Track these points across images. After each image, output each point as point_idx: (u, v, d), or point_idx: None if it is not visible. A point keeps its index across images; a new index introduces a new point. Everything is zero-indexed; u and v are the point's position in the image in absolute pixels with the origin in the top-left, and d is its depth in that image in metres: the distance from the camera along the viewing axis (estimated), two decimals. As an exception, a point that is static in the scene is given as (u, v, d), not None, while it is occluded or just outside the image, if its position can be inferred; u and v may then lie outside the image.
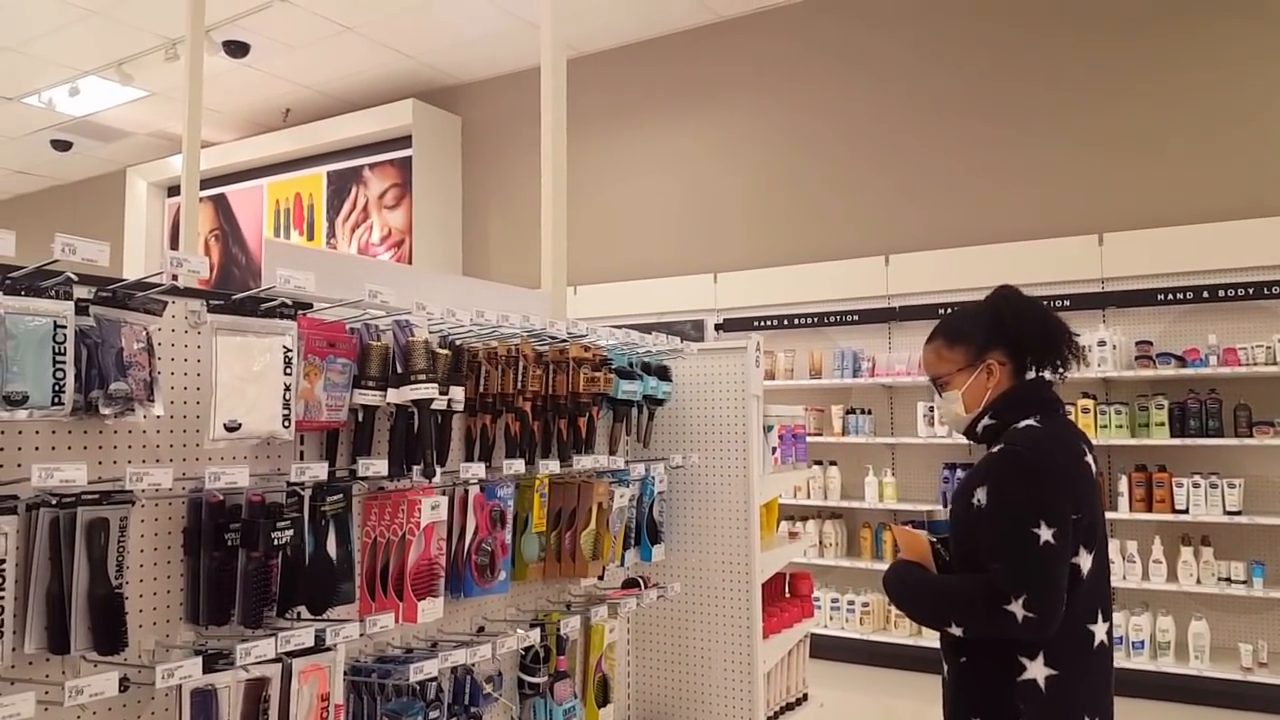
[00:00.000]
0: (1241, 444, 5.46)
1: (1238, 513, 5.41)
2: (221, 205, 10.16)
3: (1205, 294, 5.70)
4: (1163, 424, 5.64)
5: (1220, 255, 5.71)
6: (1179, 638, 5.48)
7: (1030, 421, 2.06)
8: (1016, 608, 1.86)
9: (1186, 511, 5.51)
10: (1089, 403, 5.78)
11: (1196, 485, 5.51)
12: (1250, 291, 5.59)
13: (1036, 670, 1.94)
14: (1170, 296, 5.80)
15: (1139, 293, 5.90)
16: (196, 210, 5.72)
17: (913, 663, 6.06)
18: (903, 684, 5.95)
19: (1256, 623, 5.56)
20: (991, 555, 1.94)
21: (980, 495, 1.98)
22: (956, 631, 2.00)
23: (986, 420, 2.13)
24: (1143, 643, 5.47)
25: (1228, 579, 5.46)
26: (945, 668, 2.15)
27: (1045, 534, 1.88)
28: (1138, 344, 5.80)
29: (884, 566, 6.34)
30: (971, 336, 2.17)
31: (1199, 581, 5.49)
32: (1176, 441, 5.59)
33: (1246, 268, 5.65)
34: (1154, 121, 6.10)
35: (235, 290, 1.93)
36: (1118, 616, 5.36)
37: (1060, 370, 2.15)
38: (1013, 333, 2.13)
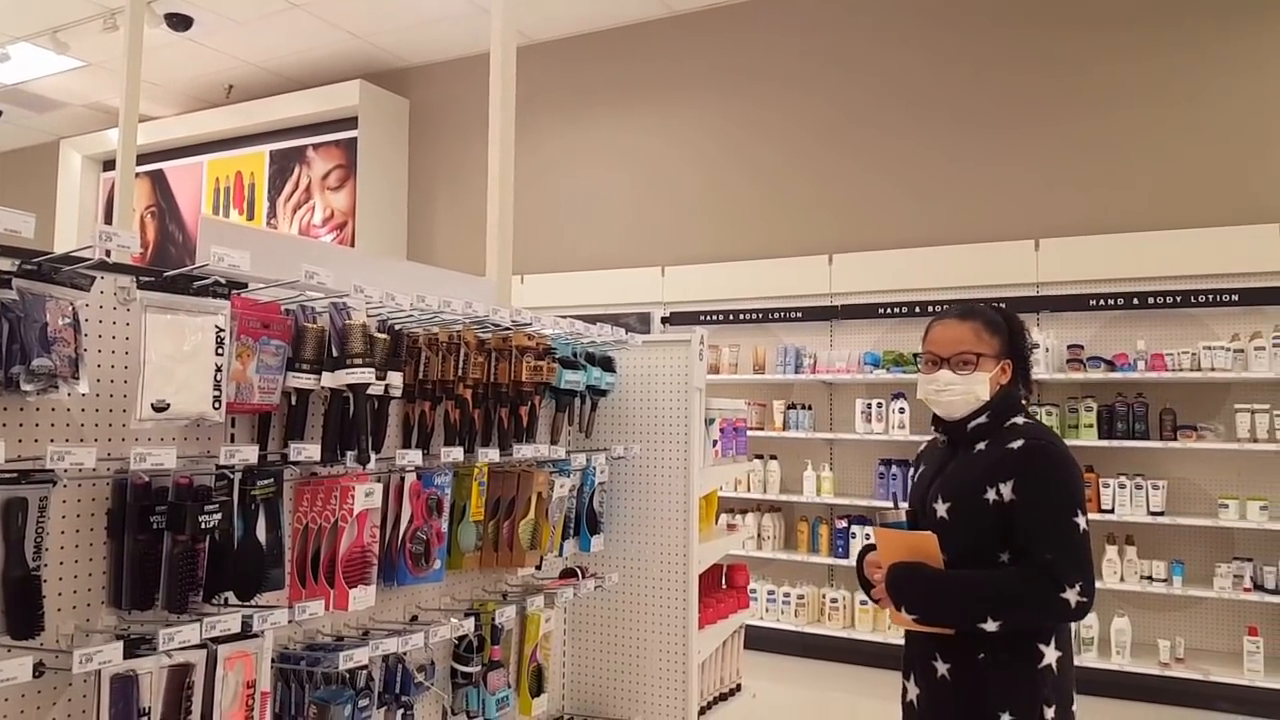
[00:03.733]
0: (1166, 447, 5.64)
1: (1161, 513, 5.59)
2: (159, 181, 9.89)
3: (1135, 300, 5.87)
4: (1091, 426, 5.79)
5: (1151, 264, 5.89)
6: (1102, 634, 5.65)
7: (1020, 420, 2.15)
8: (1072, 595, 1.93)
9: (1112, 511, 5.67)
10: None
11: (1122, 486, 5.68)
12: (1178, 299, 5.77)
13: (1051, 655, 2.04)
14: (1102, 302, 5.96)
15: (1072, 298, 6.06)
16: (132, 185, 5.56)
17: (845, 654, 6.16)
18: (835, 675, 6.04)
19: (1175, 620, 5.75)
20: (1038, 545, 1.98)
21: (1004, 490, 2.03)
22: (991, 627, 1.96)
23: (982, 418, 2.15)
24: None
25: (1149, 577, 5.64)
26: (936, 668, 2.10)
27: (1082, 523, 2.00)
28: (1069, 347, 5.95)
29: (821, 560, 6.48)
30: (1003, 334, 2.21)
31: (1122, 580, 5.65)
32: (1104, 443, 5.75)
33: (1175, 276, 5.83)
34: (1092, 131, 6.25)
35: (171, 268, 1.88)
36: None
37: (1029, 390, 2.27)
38: (1020, 345, 2.24)
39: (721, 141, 7.51)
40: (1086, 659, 5.55)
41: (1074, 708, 2.09)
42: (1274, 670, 5.23)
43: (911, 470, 2.43)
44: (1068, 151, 6.31)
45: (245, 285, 2.02)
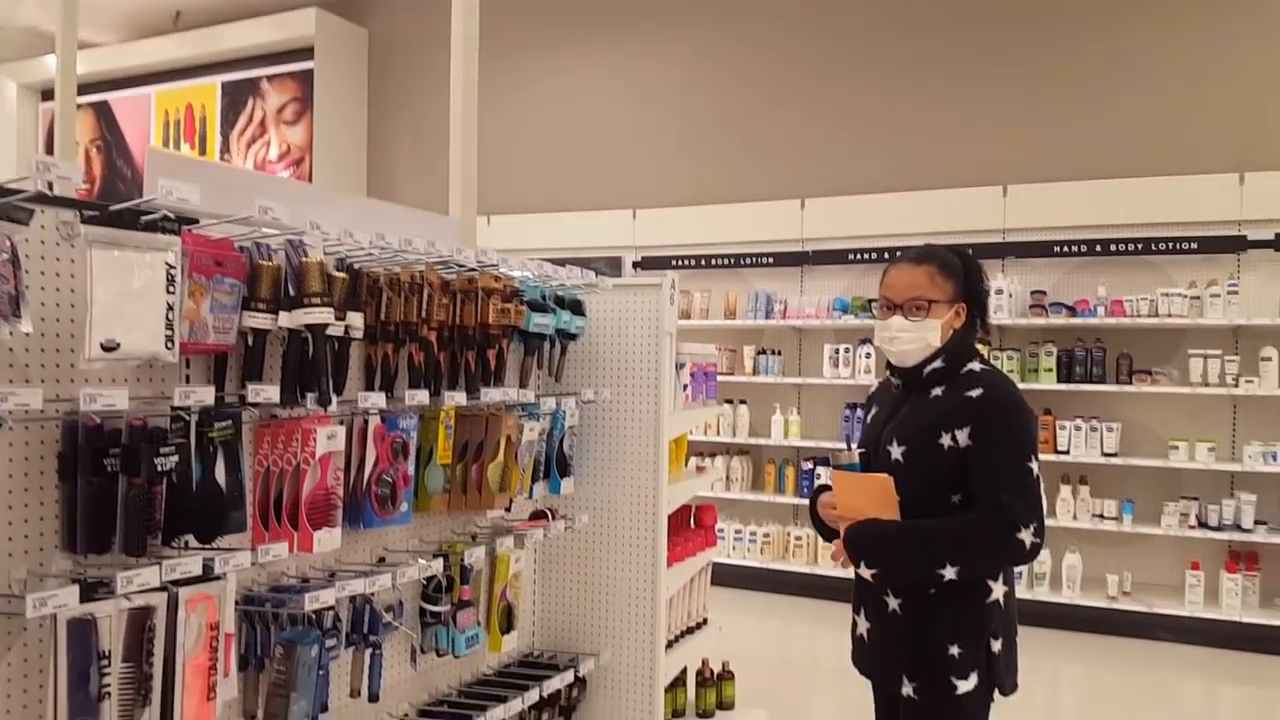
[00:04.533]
0: (1122, 390, 5.76)
1: (1114, 454, 5.75)
2: (104, 114, 9.53)
3: (1098, 248, 5.93)
4: (1050, 370, 5.89)
5: (1114, 211, 5.95)
6: (1054, 569, 5.83)
7: (977, 366, 2.15)
8: (1027, 536, 1.98)
9: (1068, 453, 5.81)
10: (983, 348, 5.96)
11: (1078, 428, 5.81)
12: (1139, 247, 5.85)
13: (998, 590, 2.11)
14: (1066, 249, 6.02)
15: (1037, 244, 6.11)
16: (73, 115, 5.35)
17: (808, 589, 6.30)
18: (799, 608, 6.20)
19: (1124, 556, 5.94)
20: (993, 489, 2.02)
21: (960, 437, 2.05)
22: (950, 574, 1.99)
23: (938, 363, 2.15)
24: (1020, 573, 5.78)
25: (1101, 515, 5.82)
26: (888, 603, 2.12)
27: (1034, 467, 2.04)
28: (1032, 293, 6.02)
29: (787, 500, 6.57)
30: (958, 276, 2.19)
31: (1075, 518, 5.82)
32: (1062, 386, 5.86)
33: (1138, 224, 5.90)
34: (1061, 79, 6.25)
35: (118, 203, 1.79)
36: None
37: (986, 332, 2.27)
38: (976, 287, 2.22)
39: (693, 84, 7.40)
40: (1039, 593, 5.73)
41: (1017, 639, 2.17)
42: (1212, 602, 5.47)
43: (862, 412, 2.44)
44: (1037, 99, 6.31)
45: (196, 221, 1.93)
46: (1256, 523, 5.44)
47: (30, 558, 1.77)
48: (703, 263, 7.11)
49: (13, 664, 1.76)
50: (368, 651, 2.43)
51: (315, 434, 2.09)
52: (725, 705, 3.82)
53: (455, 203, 3.99)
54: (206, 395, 1.87)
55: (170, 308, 1.79)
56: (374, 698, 2.45)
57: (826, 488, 2.24)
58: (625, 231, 7.41)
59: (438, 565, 2.53)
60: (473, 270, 2.62)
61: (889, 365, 2.27)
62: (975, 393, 2.08)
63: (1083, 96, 6.17)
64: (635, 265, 7.20)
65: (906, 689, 2.09)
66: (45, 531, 1.79)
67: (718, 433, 6.81)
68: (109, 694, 1.72)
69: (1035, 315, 5.94)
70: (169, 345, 1.79)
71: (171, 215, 1.83)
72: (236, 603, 2.02)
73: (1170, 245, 5.77)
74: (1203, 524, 5.59)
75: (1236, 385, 5.47)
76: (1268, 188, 5.63)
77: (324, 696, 2.23)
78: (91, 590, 1.69)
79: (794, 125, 7.03)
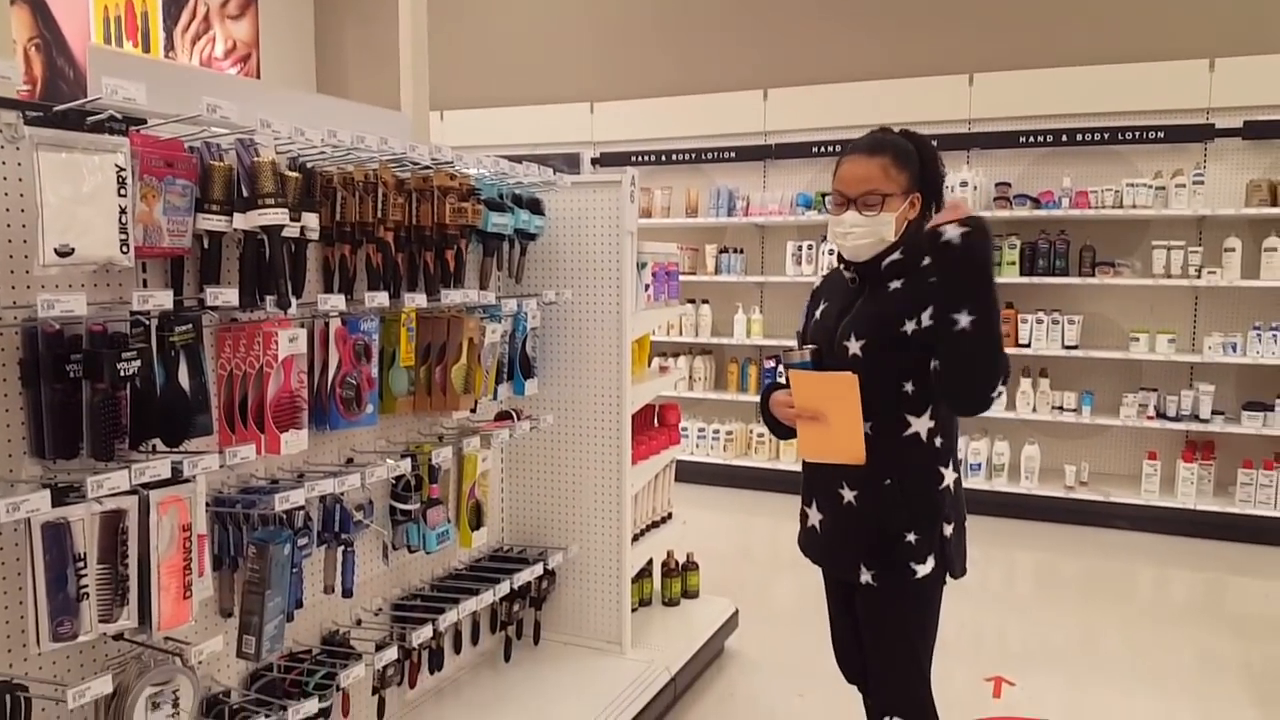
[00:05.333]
0: (1084, 283, 5.83)
1: (1075, 347, 5.85)
2: (40, 10, 9.07)
3: (1064, 137, 5.92)
4: (1013, 263, 5.94)
5: (1080, 100, 5.91)
6: (1012, 460, 6.00)
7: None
8: (1000, 369, 1.92)
9: (1029, 346, 5.91)
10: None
11: (1040, 321, 5.90)
12: (1105, 136, 5.83)
13: (950, 477, 2.15)
14: (1031, 139, 5.99)
15: (1003, 134, 6.08)
16: (7, 12, 5.10)
17: (770, 484, 6.45)
18: (760, 502, 6.36)
19: (1082, 446, 6.12)
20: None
21: (924, 318, 1.99)
22: (965, 322, 1.90)
23: (896, 255, 2.10)
24: (980, 464, 5.95)
25: (1060, 407, 5.95)
26: (842, 494, 2.14)
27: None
28: (997, 185, 6.03)
29: (749, 399, 6.67)
30: (913, 166, 2.13)
31: (1034, 410, 5.95)
32: (1025, 280, 5.92)
33: (1104, 113, 5.87)
34: (1030, -39, 6.12)
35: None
36: (959, 441, 5.79)
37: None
38: (930, 175, 2.16)
39: (652, -31, 7.16)
40: (997, 483, 5.91)
41: (965, 524, 2.23)
42: (1168, 491, 5.64)
43: (809, 307, 2.34)
44: (1004, -17, 6.18)
45: (144, 121, 1.89)
46: (1214, 413, 5.58)
47: (0, 464, 1.79)
48: (663, 159, 7.03)
49: (-10, 567, 1.80)
50: (340, 549, 2.49)
51: (277, 337, 2.10)
52: (690, 594, 3.96)
53: (406, 97, 3.89)
54: (165, 299, 1.87)
55: (123, 211, 1.77)
56: (348, 593, 2.53)
57: (778, 386, 2.23)
58: (583, 126, 7.28)
59: (406, 465, 2.58)
60: (427, 168, 2.59)
61: (840, 258, 2.21)
62: (935, 279, 2.02)
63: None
64: (594, 162, 7.10)
65: (865, 576, 2.13)
66: (13, 438, 1.81)
67: (680, 333, 6.86)
68: (87, 594, 1.77)
69: (1000, 207, 5.96)
70: (124, 249, 1.78)
71: (118, 115, 1.79)
72: (208, 505, 2.06)
73: (1137, 134, 5.77)
74: (1161, 415, 5.73)
75: (1199, 276, 5.53)
76: (1238, 74, 5.59)
77: (298, 593, 2.31)
78: (63, 495, 1.72)
79: (756, 12, 6.86)
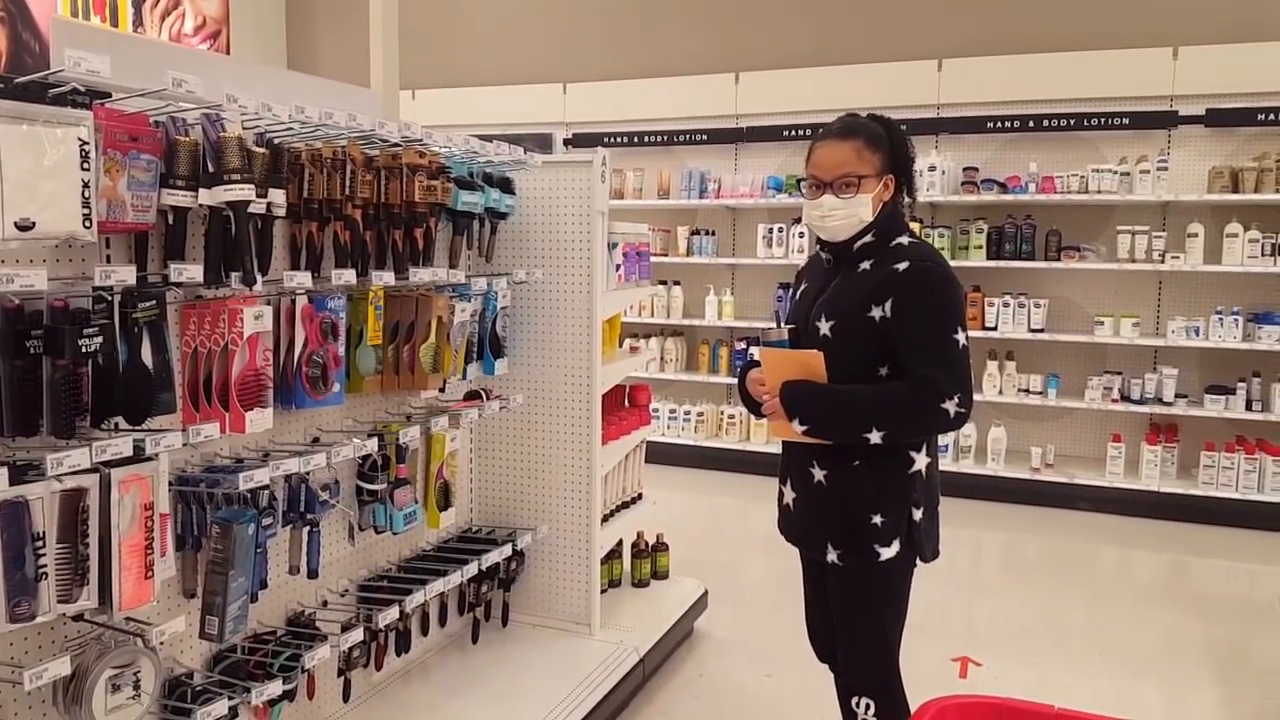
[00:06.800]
0: (1050, 267, 5.91)
1: (1041, 330, 5.93)
2: (4, -17, 8.88)
3: (1030, 123, 5.98)
4: (980, 247, 6.01)
5: (1047, 86, 5.97)
6: (979, 442, 6.08)
7: (906, 239, 2.14)
8: (951, 406, 2.02)
9: (996, 329, 5.98)
10: (915, 226, 6.06)
11: (1006, 305, 5.97)
12: (1071, 122, 5.90)
13: (921, 461, 2.16)
14: (999, 124, 6.05)
15: (971, 120, 6.13)
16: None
17: (740, 465, 6.50)
18: (730, 483, 6.40)
19: (1048, 429, 6.21)
20: (920, 361, 2.05)
21: (886, 309, 2.06)
22: (875, 438, 2.04)
23: (868, 237, 2.14)
24: (947, 446, 6.02)
25: (1026, 390, 6.03)
26: (813, 474, 2.18)
27: (962, 339, 2.07)
28: (965, 170, 6.08)
29: (720, 380, 6.70)
30: (885, 148, 2.16)
31: (1001, 393, 6.03)
32: (992, 264, 5.99)
33: (1070, 99, 5.94)
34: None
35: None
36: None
37: (913, 199, 2.25)
38: (903, 156, 2.19)
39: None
40: (964, 465, 5.99)
41: (939, 509, 2.24)
42: (1131, 473, 5.74)
43: (793, 287, 2.43)
44: (976, -32, 6.21)
45: (108, 95, 1.86)
46: (1177, 396, 5.68)
47: (-44, 441, 1.76)
48: (635, 140, 7.01)
49: (-55, 546, 1.77)
50: (305, 529, 2.48)
51: (242, 314, 2.08)
52: (660, 575, 3.98)
53: (376, 74, 3.86)
54: (128, 275, 1.84)
55: (86, 185, 1.74)
56: (313, 574, 2.52)
57: (756, 364, 2.26)
58: (555, 107, 7.24)
59: (372, 445, 2.56)
60: (397, 145, 2.57)
61: (819, 240, 2.25)
62: (901, 265, 2.07)
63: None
64: (566, 143, 7.07)
65: (831, 555, 2.16)
66: (-31, 415, 1.78)
67: (652, 314, 6.87)
68: (45, 574, 1.75)
69: (967, 192, 6.01)
70: (87, 224, 1.75)
71: (81, 88, 1.76)
72: (171, 484, 2.04)
73: (1102, 121, 5.84)
74: (1125, 398, 5.82)
75: (1163, 261, 5.62)
76: (1201, 62, 5.67)
77: (263, 573, 2.29)
78: (21, 473, 1.70)
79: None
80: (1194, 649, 3.90)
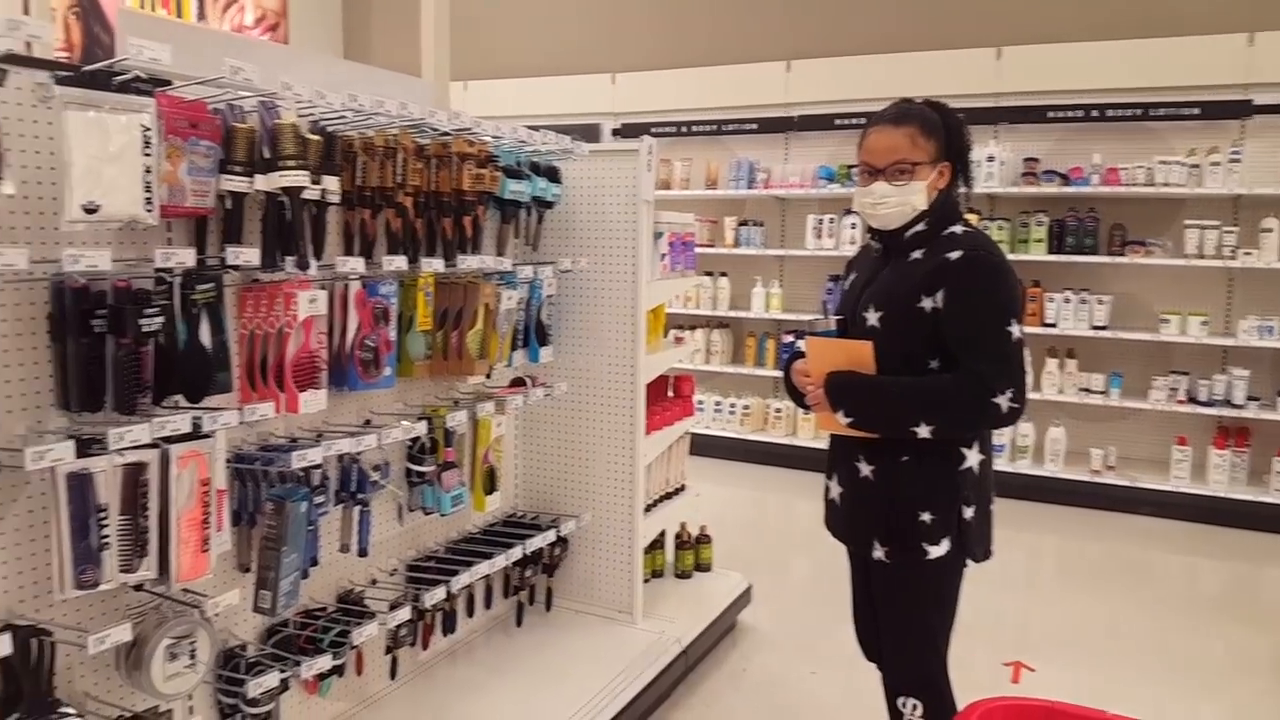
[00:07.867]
0: (1114, 262, 5.75)
1: (1103, 327, 5.75)
2: (79, -22, 9.17)
3: (1094, 113, 5.81)
4: (1041, 240, 5.87)
5: (1112, 75, 5.79)
6: (1037, 442, 5.93)
7: (959, 229, 2.09)
8: (1003, 400, 1.97)
9: (1055, 325, 5.83)
10: (973, 217, 5.95)
11: (1067, 300, 5.82)
12: (1138, 112, 5.72)
13: (973, 458, 2.10)
14: (1060, 114, 5.90)
15: (1031, 109, 5.98)
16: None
17: (786, 460, 6.45)
18: (775, 478, 6.36)
19: (1109, 430, 6.02)
20: (970, 354, 2.00)
21: (937, 299, 2.02)
22: (924, 432, 2.00)
23: (920, 226, 2.10)
24: (1004, 446, 5.91)
25: (1088, 389, 5.86)
26: (860, 468, 2.14)
27: (1016, 331, 2.00)
28: (1025, 160, 5.94)
29: (767, 373, 6.67)
30: (940, 134, 2.11)
31: (1061, 391, 5.88)
32: (1053, 258, 5.84)
33: (1136, 88, 5.75)
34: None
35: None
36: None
37: (970, 187, 2.19)
38: (959, 143, 2.15)
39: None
40: (1020, 465, 5.86)
41: (992, 508, 2.18)
42: (1198, 477, 5.53)
43: (842, 278, 2.38)
44: (1037, -45, 6.06)
45: (169, 83, 1.93)
46: (1249, 398, 5.44)
47: (29, 415, 1.84)
48: (684, 130, 6.98)
49: (20, 515, 1.86)
50: (356, 509, 2.54)
51: (297, 298, 2.14)
52: (703, 567, 3.98)
53: (428, 64, 3.91)
54: (187, 257, 1.91)
55: (148, 170, 1.81)
56: (363, 552, 2.58)
57: (801, 354, 2.22)
58: (605, 97, 7.25)
59: (421, 427, 2.62)
60: (446, 134, 2.61)
61: (870, 229, 2.20)
62: (954, 255, 2.02)
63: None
64: (614, 133, 7.07)
65: (878, 553, 2.12)
66: (41, 391, 1.86)
67: (698, 305, 6.85)
68: (109, 544, 1.82)
69: (1027, 184, 5.88)
70: (148, 208, 1.81)
71: (144, 76, 1.82)
72: (227, 461, 2.11)
73: (1171, 111, 5.64)
74: (1192, 399, 5.61)
75: (1234, 257, 5.41)
76: (1278, 48, 5.44)
77: (314, 551, 2.36)
78: (86, 446, 1.76)
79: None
80: (1261, 664, 3.73)
